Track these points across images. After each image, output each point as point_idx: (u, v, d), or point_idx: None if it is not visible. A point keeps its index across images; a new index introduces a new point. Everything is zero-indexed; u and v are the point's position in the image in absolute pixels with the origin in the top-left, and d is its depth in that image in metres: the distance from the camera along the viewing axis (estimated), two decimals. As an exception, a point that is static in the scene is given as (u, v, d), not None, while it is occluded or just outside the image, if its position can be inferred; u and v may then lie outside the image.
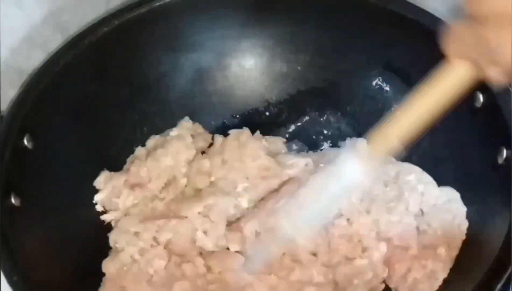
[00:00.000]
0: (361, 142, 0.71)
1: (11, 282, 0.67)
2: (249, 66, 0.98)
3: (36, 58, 0.83)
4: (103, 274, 0.81)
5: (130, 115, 0.93)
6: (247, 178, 0.87)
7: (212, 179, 0.89)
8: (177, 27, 0.92)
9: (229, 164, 0.89)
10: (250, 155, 0.89)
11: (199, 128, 0.96)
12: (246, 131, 0.92)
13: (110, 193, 0.87)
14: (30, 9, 0.86)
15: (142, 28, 0.90)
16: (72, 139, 0.86)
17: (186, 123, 0.95)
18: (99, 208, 0.87)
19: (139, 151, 0.92)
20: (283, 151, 0.94)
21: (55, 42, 0.86)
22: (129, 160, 0.92)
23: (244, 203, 0.86)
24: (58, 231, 0.79)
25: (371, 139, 0.64)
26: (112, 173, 0.89)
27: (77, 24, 0.88)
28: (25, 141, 0.78)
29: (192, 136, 0.92)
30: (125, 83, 0.92)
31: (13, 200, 0.74)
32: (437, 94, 0.58)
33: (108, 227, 0.87)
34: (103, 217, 0.87)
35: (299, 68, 0.97)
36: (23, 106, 0.79)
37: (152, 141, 0.93)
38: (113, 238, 0.83)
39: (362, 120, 0.94)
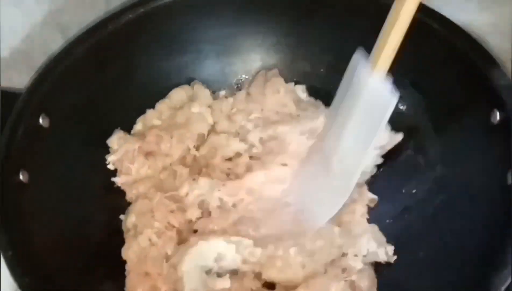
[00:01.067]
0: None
1: (6, 257, 0.69)
2: (273, 63, 0.98)
3: (36, 58, 0.85)
4: (112, 252, 0.82)
5: (149, 101, 0.94)
6: (262, 110, 0.91)
7: (234, 110, 0.92)
8: (200, 19, 0.93)
9: (251, 97, 0.93)
10: (271, 89, 0.92)
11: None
12: (274, 69, 0.96)
13: (123, 155, 0.88)
14: (30, 9, 0.88)
15: (166, 16, 0.91)
16: (88, 121, 0.88)
17: (203, 97, 0.94)
18: (111, 167, 0.89)
19: (150, 114, 0.93)
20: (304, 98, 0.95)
21: (55, 42, 0.87)
22: (139, 121, 0.93)
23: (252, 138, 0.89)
24: (64, 210, 0.81)
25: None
26: (126, 134, 0.91)
27: (77, 25, 0.89)
28: (41, 120, 0.80)
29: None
30: (145, 69, 0.93)
31: (21, 177, 0.76)
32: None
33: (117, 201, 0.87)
34: (114, 179, 0.89)
35: (321, 70, 0.96)
36: (41, 86, 0.82)
37: (163, 106, 0.93)
38: (130, 221, 0.83)
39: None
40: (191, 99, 0.94)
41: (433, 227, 0.81)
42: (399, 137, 0.87)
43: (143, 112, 0.93)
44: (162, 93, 0.94)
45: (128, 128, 0.92)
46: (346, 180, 0.79)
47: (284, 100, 0.92)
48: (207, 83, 0.96)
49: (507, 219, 0.69)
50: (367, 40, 0.88)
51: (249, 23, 0.95)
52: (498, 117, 0.75)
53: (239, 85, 0.98)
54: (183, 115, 0.91)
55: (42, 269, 0.71)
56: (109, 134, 0.90)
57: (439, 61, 0.84)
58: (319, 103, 0.93)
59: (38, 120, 0.80)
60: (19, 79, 0.85)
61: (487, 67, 0.77)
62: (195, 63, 0.96)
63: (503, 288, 0.65)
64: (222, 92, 0.97)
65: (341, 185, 0.79)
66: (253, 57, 0.98)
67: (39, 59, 0.83)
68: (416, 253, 0.81)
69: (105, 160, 0.89)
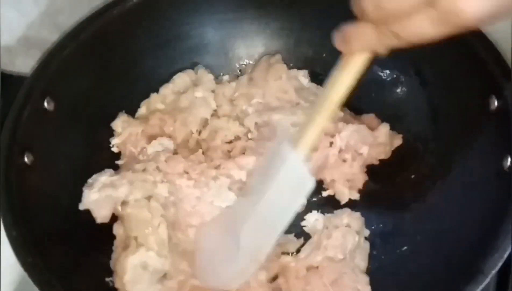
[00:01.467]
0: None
1: (10, 236, 0.70)
2: (275, 48, 0.99)
3: (33, 59, 0.84)
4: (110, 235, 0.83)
5: (153, 86, 0.95)
6: (264, 95, 0.92)
7: (236, 94, 0.94)
8: (204, 4, 0.94)
9: (253, 82, 0.94)
10: (273, 75, 0.93)
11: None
12: (277, 55, 0.96)
13: (127, 138, 0.89)
14: (27, 10, 0.88)
15: (171, 0, 0.92)
16: (93, 105, 0.89)
17: (207, 82, 0.95)
18: (115, 149, 0.91)
19: (154, 98, 0.94)
20: (306, 84, 0.95)
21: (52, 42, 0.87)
22: (143, 105, 0.94)
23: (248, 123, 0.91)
24: (68, 192, 0.83)
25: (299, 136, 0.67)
26: (130, 118, 0.92)
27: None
28: (45, 103, 0.81)
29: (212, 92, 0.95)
30: (149, 53, 0.94)
31: (26, 159, 0.77)
32: (342, 86, 0.62)
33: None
34: (118, 162, 0.90)
35: (324, 55, 0.96)
36: (47, 69, 0.82)
37: (166, 91, 0.95)
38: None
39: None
40: (195, 83, 0.95)
41: (430, 212, 0.82)
42: (398, 141, 0.88)
43: (147, 96, 0.94)
44: (165, 78, 0.96)
45: (132, 112, 0.93)
46: (251, 258, 0.76)
47: (285, 87, 0.93)
48: (210, 68, 0.98)
49: (504, 203, 0.70)
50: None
51: (253, 8, 0.96)
52: (495, 103, 0.75)
53: (241, 70, 1.00)
54: (186, 100, 0.93)
55: (45, 249, 0.72)
56: (113, 117, 0.91)
57: (441, 48, 0.84)
58: (320, 89, 0.93)
59: (43, 104, 0.81)
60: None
61: (486, 54, 0.77)
62: (199, 48, 0.97)
63: (496, 270, 0.66)
64: (226, 77, 0.98)
65: (246, 262, 0.76)
66: (256, 42, 0.99)
67: (36, 59, 0.83)
68: (414, 237, 0.82)
69: (109, 142, 0.90)
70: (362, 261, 0.81)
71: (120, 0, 0.89)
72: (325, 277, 0.77)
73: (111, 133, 0.91)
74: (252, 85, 0.94)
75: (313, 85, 0.95)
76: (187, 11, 0.94)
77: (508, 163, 0.71)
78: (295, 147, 0.67)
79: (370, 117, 0.92)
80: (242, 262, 0.75)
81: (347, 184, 0.86)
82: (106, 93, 0.90)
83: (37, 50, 0.86)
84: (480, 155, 0.78)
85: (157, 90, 0.95)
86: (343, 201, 0.86)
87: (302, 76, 0.95)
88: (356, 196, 0.86)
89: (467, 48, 0.79)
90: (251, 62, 1.00)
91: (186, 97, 0.93)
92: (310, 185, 0.70)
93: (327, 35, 0.93)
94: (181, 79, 0.96)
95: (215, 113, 0.94)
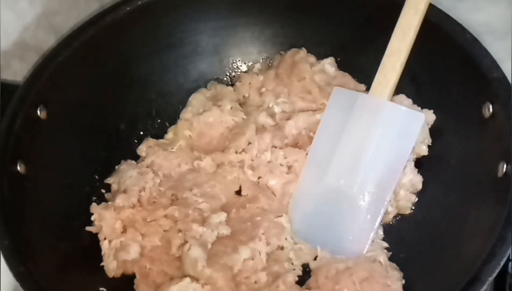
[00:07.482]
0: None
1: (2, 245, 0.70)
2: (270, 54, 0.99)
3: (29, 60, 0.85)
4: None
5: (147, 94, 0.95)
6: (289, 94, 0.92)
7: (263, 90, 0.94)
8: (197, 11, 0.93)
9: (279, 78, 0.94)
10: (297, 75, 0.92)
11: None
12: (302, 50, 0.95)
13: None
14: (24, 11, 0.87)
15: (163, 8, 0.91)
16: (86, 113, 0.88)
17: (229, 93, 0.96)
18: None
19: (181, 124, 0.95)
20: (332, 73, 0.94)
21: (48, 44, 0.86)
22: (170, 131, 0.95)
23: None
24: (60, 201, 0.82)
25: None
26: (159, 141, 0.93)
27: (70, 26, 0.89)
28: (38, 112, 0.81)
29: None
30: (143, 61, 0.93)
31: (18, 167, 0.77)
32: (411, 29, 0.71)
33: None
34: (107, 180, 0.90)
35: (320, 61, 0.96)
36: (40, 77, 0.82)
37: (188, 115, 0.95)
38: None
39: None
40: (215, 99, 0.95)
41: (426, 219, 0.82)
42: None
43: (141, 105, 0.94)
44: (159, 86, 0.95)
45: (125, 121, 0.93)
46: (373, 212, 0.81)
47: (309, 88, 0.92)
48: (204, 75, 0.98)
49: (500, 210, 0.69)
50: (363, 32, 0.90)
51: (247, 15, 0.96)
52: (490, 110, 0.75)
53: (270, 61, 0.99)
54: (211, 116, 0.93)
55: (37, 258, 0.72)
56: (105, 126, 0.91)
57: (436, 55, 0.84)
58: (348, 76, 0.93)
59: (36, 112, 0.81)
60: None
61: (481, 61, 0.77)
62: (193, 55, 0.96)
63: (492, 276, 0.65)
64: (257, 65, 0.98)
65: (367, 219, 0.81)
66: (251, 49, 0.99)
67: (32, 61, 0.83)
68: (410, 244, 0.82)
69: (103, 151, 0.90)
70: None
71: (114, 7, 0.88)
72: (355, 275, 0.77)
73: (104, 142, 0.90)
74: (278, 82, 0.94)
75: (340, 73, 0.94)
76: (181, 19, 0.94)
77: (504, 169, 0.71)
78: (380, 95, 0.78)
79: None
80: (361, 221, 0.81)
81: (409, 191, 0.85)
82: (99, 101, 0.90)
83: (33, 52, 0.86)
84: (476, 161, 0.78)
85: (150, 99, 0.95)
86: (407, 211, 0.85)
87: (328, 65, 0.94)
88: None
89: (462, 55, 0.79)
90: (245, 69, 0.99)
91: (211, 115, 0.93)
92: (422, 118, 0.79)
93: (322, 42, 0.95)
94: (197, 100, 0.96)
95: (244, 103, 0.95)
